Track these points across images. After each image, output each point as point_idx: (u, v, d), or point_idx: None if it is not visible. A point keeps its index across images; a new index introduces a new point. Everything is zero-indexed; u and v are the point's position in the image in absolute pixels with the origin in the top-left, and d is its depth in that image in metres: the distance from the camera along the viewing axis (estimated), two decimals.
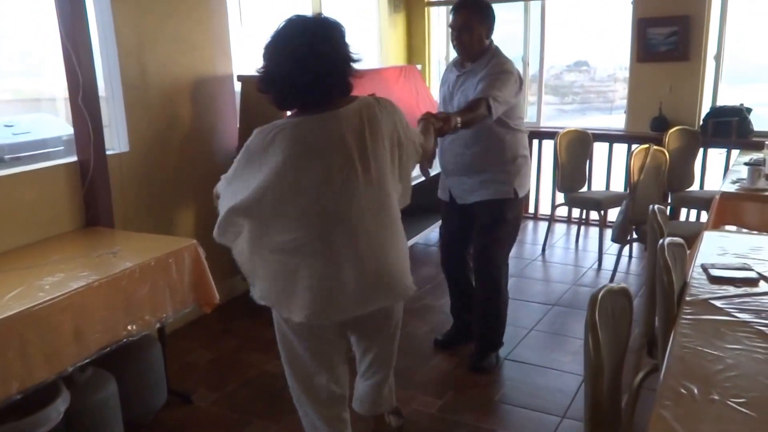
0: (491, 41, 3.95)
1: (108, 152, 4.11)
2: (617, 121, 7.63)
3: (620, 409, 2.42)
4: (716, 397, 1.91)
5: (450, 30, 3.98)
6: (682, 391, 1.95)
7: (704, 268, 2.99)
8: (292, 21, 2.49)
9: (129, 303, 3.25)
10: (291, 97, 2.59)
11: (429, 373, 4.21)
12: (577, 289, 5.49)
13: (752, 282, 2.85)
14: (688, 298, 2.67)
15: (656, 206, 3.55)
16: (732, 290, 2.76)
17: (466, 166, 3.98)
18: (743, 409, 1.85)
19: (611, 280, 5.52)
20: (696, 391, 1.94)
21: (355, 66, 2.58)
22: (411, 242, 6.07)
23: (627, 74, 7.10)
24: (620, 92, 8.80)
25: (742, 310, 2.55)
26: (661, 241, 2.91)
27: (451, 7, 4.05)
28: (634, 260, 6.29)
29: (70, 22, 3.72)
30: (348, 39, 2.55)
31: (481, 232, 4.08)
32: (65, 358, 2.93)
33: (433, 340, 4.56)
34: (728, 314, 2.52)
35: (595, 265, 6.13)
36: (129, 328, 3.25)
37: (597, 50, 10.61)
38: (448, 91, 4.03)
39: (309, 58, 2.43)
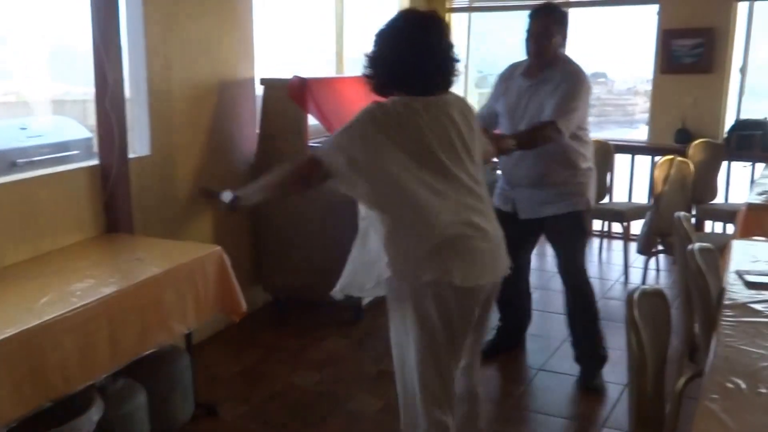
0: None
1: (129, 156, 4.16)
2: (638, 135, 7.76)
3: (664, 415, 2.53)
4: (764, 390, 2.02)
5: (527, 36, 3.98)
6: (729, 385, 2.06)
7: (739, 275, 3.10)
8: (414, 13, 2.89)
9: (157, 310, 3.31)
10: (402, 82, 2.79)
11: None
12: (606, 302, 5.58)
13: None
14: (726, 302, 2.78)
15: (681, 213, 3.67)
16: None
17: (538, 178, 4.02)
18: None
19: None
20: (743, 385, 2.05)
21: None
22: None
23: (648, 87, 7.23)
24: (640, 106, 8.91)
25: None
26: (690, 246, 3.03)
27: (529, 12, 4.04)
28: (662, 273, 6.42)
29: (103, 23, 3.81)
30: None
31: (566, 246, 4.16)
32: (100, 365, 2.98)
33: None
34: None
35: (622, 278, 6.25)
36: (159, 336, 3.31)
37: (616, 62, 10.72)
38: (516, 100, 4.06)
39: (435, 48, 2.76)
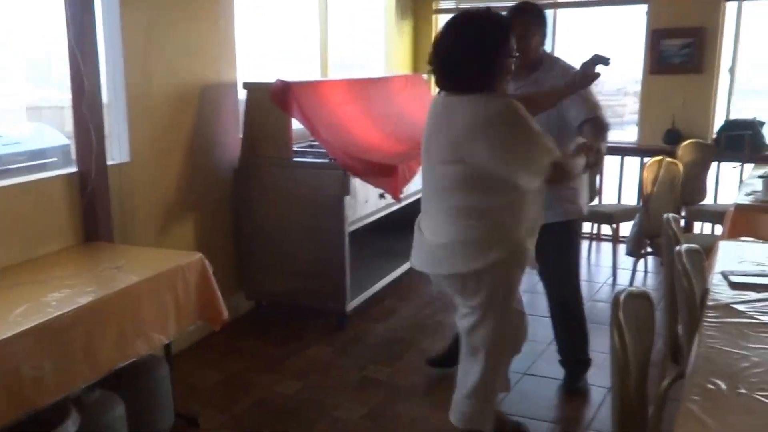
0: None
1: (108, 163, 4.13)
2: (627, 136, 7.76)
3: (647, 417, 2.52)
4: (743, 391, 2.03)
5: None
6: (710, 386, 2.06)
7: (724, 275, 3.11)
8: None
9: (137, 320, 3.28)
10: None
11: (446, 391, 4.29)
12: (593, 305, 5.59)
13: None
14: (710, 303, 2.79)
15: (670, 215, 3.66)
16: (753, 295, 2.88)
17: None
18: None
19: None
20: (723, 386, 2.05)
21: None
22: None
23: (638, 88, 7.24)
24: (630, 106, 8.89)
25: (764, 313, 2.68)
26: (677, 247, 3.03)
27: (510, 9, 3.93)
28: (649, 275, 6.44)
29: (79, 28, 3.78)
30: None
31: (557, 257, 4.05)
32: (76, 377, 2.95)
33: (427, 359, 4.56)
34: (751, 317, 2.65)
35: (610, 280, 6.26)
36: (138, 346, 3.28)
37: None
38: None
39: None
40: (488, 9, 3.13)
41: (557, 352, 4.35)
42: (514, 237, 3.17)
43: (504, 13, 3.56)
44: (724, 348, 2.34)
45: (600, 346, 4.41)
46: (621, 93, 11.15)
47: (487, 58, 3.04)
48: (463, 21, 3.11)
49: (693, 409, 1.92)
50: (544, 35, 3.95)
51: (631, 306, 2.33)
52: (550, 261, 3.97)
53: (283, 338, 5.03)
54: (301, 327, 5.21)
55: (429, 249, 3.31)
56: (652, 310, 2.51)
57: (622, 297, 2.30)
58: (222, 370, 4.59)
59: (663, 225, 3.65)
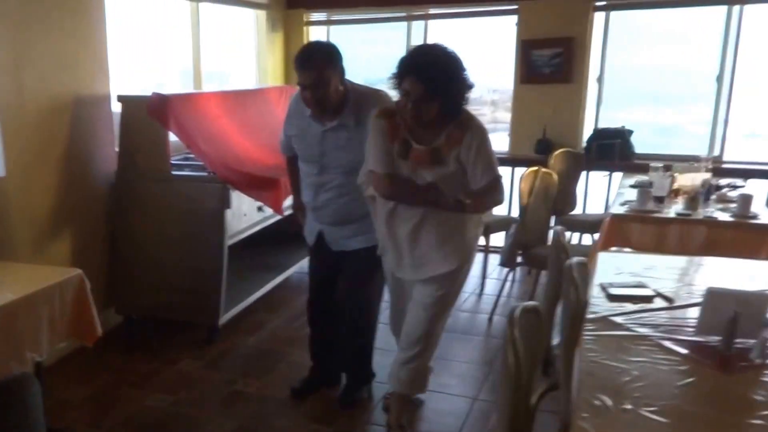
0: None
1: None
2: (499, 145, 7.91)
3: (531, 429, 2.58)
4: (629, 407, 2.11)
5: (301, 88, 3.71)
6: (596, 402, 2.13)
7: (603, 287, 3.23)
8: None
9: (11, 339, 3.20)
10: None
11: (317, 402, 4.33)
12: (457, 314, 5.67)
13: (648, 299, 3.12)
14: (589, 316, 2.89)
15: (558, 227, 3.79)
16: (630, 307, 3.02)
17: (345, 215, 3.98)
18: (656, 417, 2.05)
19: (495, 304, 5.76)
20: (609, 402, 2.13)
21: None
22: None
23: (495, 97, 7.38)
24: (488, 116, 9.01)
25: (641, 325, 2.81)
26: (568, 261, 3.12)
27: (298, 59, 3.68)
28: (516, 284, 6.56)
29: None
30: None
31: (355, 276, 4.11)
32: None
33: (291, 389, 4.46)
34: (628, 329, 2.76)
35: (477, 290, 6.35)
36: (11, 366, 3.20)
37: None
38: (315, 145, 3.88)
39: None
40: None
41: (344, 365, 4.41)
42: None
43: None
44: (605, 362, 2.43)
45: (461, 356, 4.79)
46: (479, 102, 11.37)
47: None
48: None
49: (585, 427, 1.99)
50: (342, 72, 3.73)
51: (523, 321, 2.39)
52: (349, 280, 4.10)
53: (152, 352, 4.97)
54: (171, 341, 5.15)
55: None
56: (541, 324, 2.57)
57: (517, 313, 2.36)
58: (92, 384, 4.52)
59: (552, 237, 3.74)
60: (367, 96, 3.79)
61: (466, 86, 3.41)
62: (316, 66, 3.61)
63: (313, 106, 3.73)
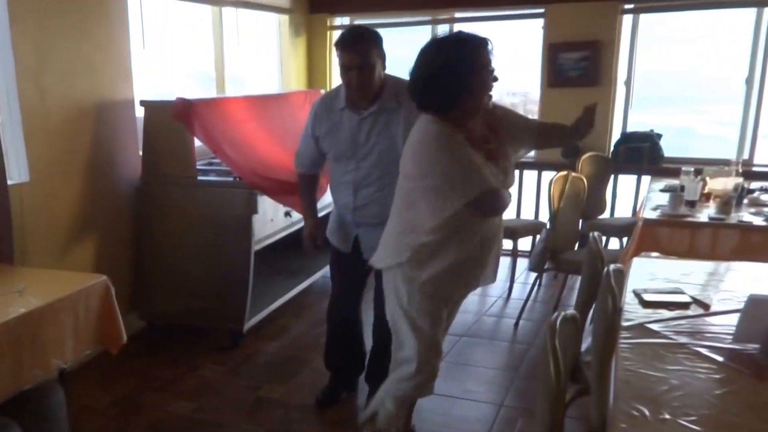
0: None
1: (8, 183, 4.03)
2: None
3: None
4: (667, 417, 2.07)
5: (342, 69, 3.66)
6: (634, 413, 2.09)
7: (636, 293, 3.18)
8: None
9: (36, 345, 3.19)
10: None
11: (340, 409, 4.33)
12: (483, 319, 5.70)
13: (685, 305, 3.06)
14: (624, 323, 2.84)
15: (595, 233, 3.74)
16: (666, 314, 2.96)
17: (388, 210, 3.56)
18: (695, 427, 2.01)
19: (522, 309, 5.74)
20: (647, 412, 2.09)
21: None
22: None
23: (515, 100, 7.35)
24: None
25: (678, 333, 2.75)
26: (607, 267, 3.08)
27: (337, 42, 3.68)
28: (542, 288, 6.52)
29: None
30: None
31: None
32: None
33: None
34: (665, 337, 2.71)
35: (505, 295, 6.33)
36: (35, 373, 3.19)
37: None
38: (351, 136, 3.79)
39: None
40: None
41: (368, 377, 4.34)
42: None
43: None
44: (642, 371, 2.39)
45: (489, 363, 4.77)
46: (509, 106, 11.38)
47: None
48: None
49: None
50: (384, 57, 3.73)
51: (563, 330, 2.36)
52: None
53: (174, 358, 4.98)
54: (193, 347, 5.16)
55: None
56: (579, 332, 2.54)
57: (558, 322, 2.33)
58: (114, 390, 4.53)
59: (588, 243, 3.69)
60: (405, 83, 3.59)
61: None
62: (364, 47, 3.60)
63: (355, 90, 3.67)
